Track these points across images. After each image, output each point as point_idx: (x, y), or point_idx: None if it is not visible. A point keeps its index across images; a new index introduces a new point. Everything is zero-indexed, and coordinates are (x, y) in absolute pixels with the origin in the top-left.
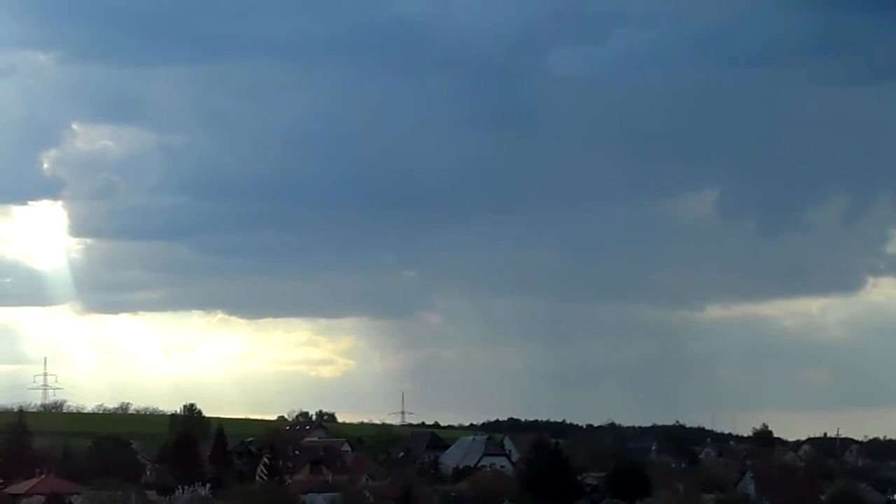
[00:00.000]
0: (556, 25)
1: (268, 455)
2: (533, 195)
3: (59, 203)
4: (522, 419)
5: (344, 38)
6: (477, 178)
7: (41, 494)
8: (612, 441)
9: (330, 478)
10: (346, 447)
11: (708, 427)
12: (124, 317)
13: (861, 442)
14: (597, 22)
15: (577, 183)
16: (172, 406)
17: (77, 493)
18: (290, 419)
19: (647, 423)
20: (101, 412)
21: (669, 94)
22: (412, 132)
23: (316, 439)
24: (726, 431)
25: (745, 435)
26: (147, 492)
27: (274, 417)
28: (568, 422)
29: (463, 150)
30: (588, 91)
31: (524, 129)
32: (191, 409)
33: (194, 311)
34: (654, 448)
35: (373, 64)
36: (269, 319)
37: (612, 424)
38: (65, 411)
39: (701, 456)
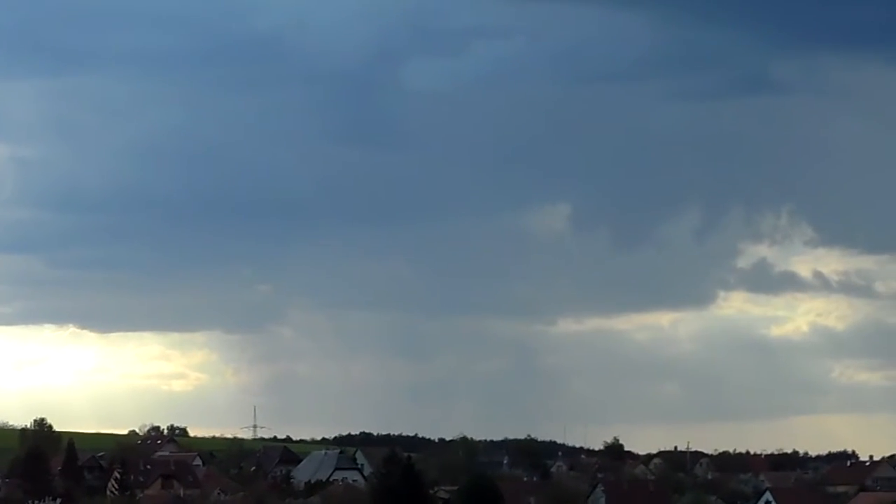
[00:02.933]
0: (412, 39)
1: (119, 469)
2: (389, 209)
3: None
4: (375, 433)
5: (201, 52)
6: (333, 191)
7: None
8: (464, 455)
9: (181, 492)
10: (198, 461)
11: (559, 440)
12: None
13: (711, 455)
14: (454, 36)
15: (433, 196)
16: (23, 420)
17: None
18: (141, 433)
19: (499, 437)
20: None
21: (526, 108)
22: (269, 146)
23: (167, 453)
24: (578, 445)
25: (597, 448)
26: None
27: (125, 432)
28: (420, 436)
29: (319, 163)
30: (444, 104)
31: (381, 142)
32: (41, 424)
33: (46, 325)
34: (505, 462)
35: (230, 77)
36: (121, 333)
37: (464, 438)
38: None
39: (552, 469)
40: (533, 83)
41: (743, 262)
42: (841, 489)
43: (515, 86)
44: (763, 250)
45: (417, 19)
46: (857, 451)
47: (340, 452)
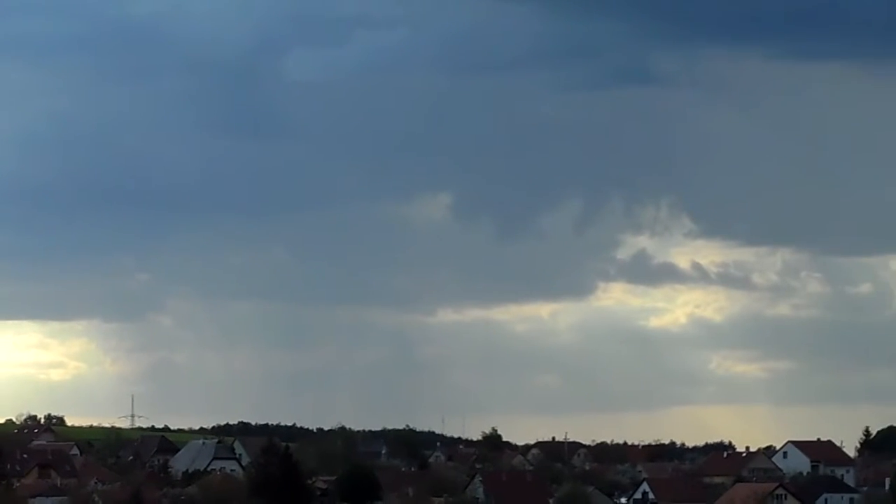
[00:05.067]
0: (295, 28)
1: None
2: (270, 198)
3: None
4: (253, 423)
5: (81, 39)
6: (215, 181)
7: None
8: (343, 445)
9: (58, 482)
10: (75, 451)
11: (438, 431)
12: None
13: (589, 446)
14: (336, 25)
15: (315, 186)
16: None
17: None
18: (18, 422)
19: (377, 427)
20: None
21: (409, 98)
22: (150, 135)
23: (44, 443)
24: (456, 435)
25: (475, 439)
26: None
27: (2, 421)
28: (299, 425)
29: (201, 152)
30: (327, 94)
31: (263, 132)
32: None
33: None
34: (384, 452)
35: (110, 66)
36: None
37: (343, 428)
38: None
39: (431, 460)
40: (416, 73)
41: (623, 254)
42: (717, 480)
43: (398, 76)
44: (643, 242)
45: (300, 8)
46: (733, 442)
47: (218, 442)
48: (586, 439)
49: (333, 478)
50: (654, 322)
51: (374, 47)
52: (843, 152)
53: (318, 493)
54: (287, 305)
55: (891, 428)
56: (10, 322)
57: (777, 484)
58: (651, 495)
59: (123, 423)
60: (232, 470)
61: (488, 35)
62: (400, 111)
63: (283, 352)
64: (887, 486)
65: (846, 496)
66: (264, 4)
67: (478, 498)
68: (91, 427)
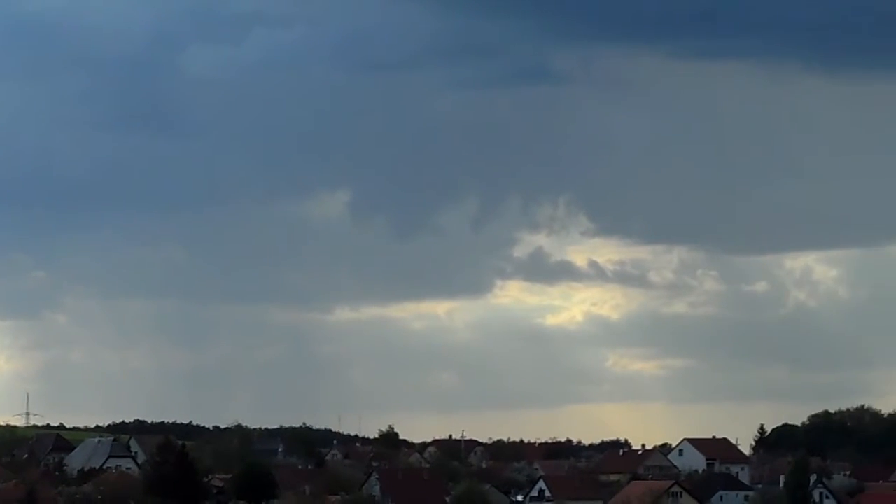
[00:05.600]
0: (192, 25)
1: None
2: (167, 196)
3: None
4: (149, 421)
5: None
6: (111, 178)
7: None
8: (239, 443)
9: None
10: None
11: (335, 429)
12: None
13: (485, 444)
14: (233, 22)
15: (212, 184)
16: None
17: None
18: None
19: (274, 425)
20: None
21: (306, 95)
22: (46, 131)
23: None
24: (353, 433)
25: (372, 437)
26: None
27: None
28: (195, 423)
29: (96, 150)
30: (224, 91)
31: (159, 129)
32: None
33: None
34: (280, 450)
35: (4, 61)
36: None
37: (239, 426)
38: None
39: (327, 458)
40: (313, 71)
41: (520, 252)
42: (613, 477)
43: (295, 73)
44: (540, 240)
45: (197, 5)
46: (629, 440)
47: (114, 440)
48: (483, 437)
49: (229, 476)
50: (551, 320)
51: (272, 45)
52: (741, 152)
53: (215, 491)
54: (183, 303)
55: (785, 426)
56: None
57: (673, 482)
58: (547, 493)
59: (18, 422)
60: (128, 468)
61: (385, 33)
62: (297, 109)
63: (179, 350)
64: (782, 484)
65: (741, 494)
66: (162, 0)
67: (374, 496)
68: None
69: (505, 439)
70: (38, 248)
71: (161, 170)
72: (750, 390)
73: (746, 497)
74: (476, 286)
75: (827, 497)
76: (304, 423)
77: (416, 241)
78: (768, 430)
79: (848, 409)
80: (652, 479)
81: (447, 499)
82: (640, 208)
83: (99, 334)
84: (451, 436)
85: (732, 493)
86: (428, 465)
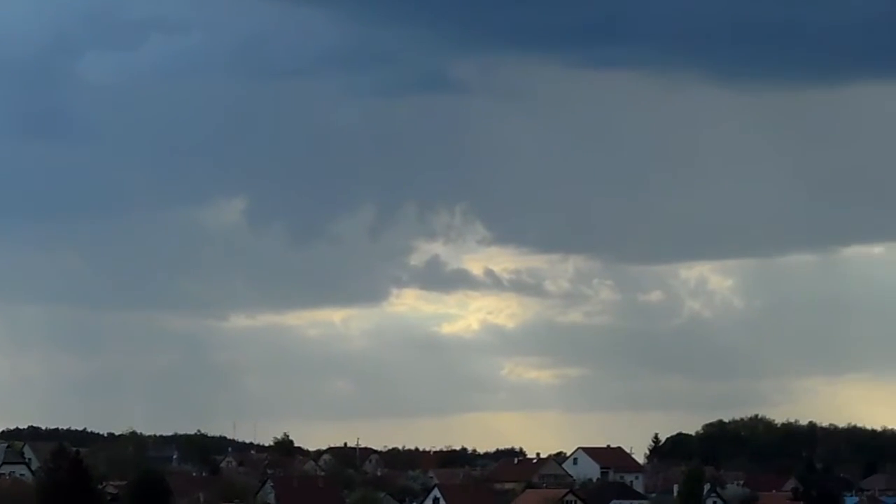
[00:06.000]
0: (88, 30)
1: None
2: (62, 201)
3: None
4: (43, 427)
5: None
6: (4, 183)
7: None
8: (134, 450)
9: None
10: None
11: (230, 436)
12: None
13: (380, 451)
14: (131, 28)
15: (108, 190)
16: None
17: None
18: None
19: (168, 432)
20: None
21: (204, 102)
22: None
23: None
24: (248, 440)
25: (267, 444)
26: None
27: None
28: (89, 430)
29: None
30: (121, 97)
31: (54, 135)
32: None
33: None
34: (175, 457)
35: None
36: None
37: (134, 433)
38: None
39: (222, 465)
40: (211, 77)
41: (416, 260)
42: (508, 486)
43: (193, 80)
44: (436, 248)
45: (93, 9)
46: (524, 449)
47: (8, 447)
48: (378, 445)
49: (124, 483)
50: (447, 328)
51: (169, 51)
52: (637, 161)
53: (109, 498)
54: (77, 309)
55: (680, 435)
56: None
57: (567, 490)
58: (442, 501)
59: None
60: (21, 475)
61: (284, 40)
62: (195, 115)
63: (73, 356)
64: (675, 493)
65: (635, 502)
66: (59, 5)
67: (269, 503)
68: None
69: (400, 447)
70: None
71: (56, 175)
72: (645, 399)
73: None
74: (372, 294)
75: None
76: (198, 431)
77: (313, 248)
78: (663, 438)
79: (742, 419)
80: (546, 487)
81: None
82: (536, 217)
83: None
84: (346, 443)
85: (626, 502)
86: (323, 473)
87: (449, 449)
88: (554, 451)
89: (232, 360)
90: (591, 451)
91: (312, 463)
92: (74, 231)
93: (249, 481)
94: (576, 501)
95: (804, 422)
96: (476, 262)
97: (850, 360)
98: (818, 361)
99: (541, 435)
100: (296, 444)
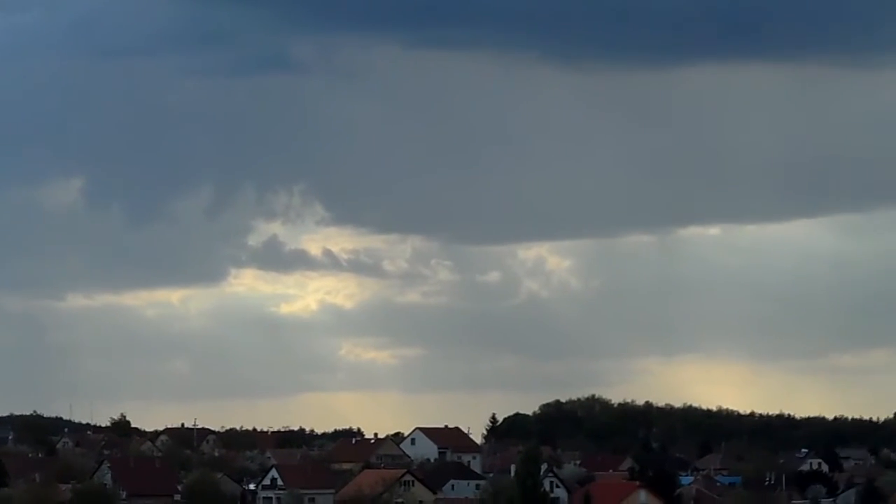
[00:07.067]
0: None
1: None
2: None
3: None
4: None
5: None
6: None
7: None
8: None
9: None
10: None
11: (66, 417)
12: None
13: (218, 432)
14: None
15: None
16: None
17: None
18: None
19: (4, 413)
20: None
21: (41, 81)
22: None
23: None
24: (84, 421)
25: (104, 425)
26: None
27: None
28: None
29: None
30: None
31: None
32: None
33: None
34: (11, 437)
35: None
36: None
37: None
38: None
39: (59, 446)
40: (49, 56)
41: (254, 240)
42: (346, 466)
43: (30, 58)
44: (275, 228)
45: None
46: (362, 429)
47: None
48: (216, 425)
49: None
50: (286, 308)
51: (7, 28)
52: (477, 142)
53: None
54: None
55: (517, 415)
56: None
57: (405, 470)
58: (280, 481)
59: None
60: None
61: (121, 19)
62: (32, 94)
63: None
64: (512, 473)
65: (472, 482)
66: None
67: (105, 484)
68: None
69: (238, 427)
70: None
71: None
72: (482, 379)
73: (477, 486)
74: (210, 274)
75: (557, 486)
76: (34, 411)
77: (151, 228)
78: (500, 419)
79: (578, 399)
80: (384, 467)
81: (179, 487)
82: (375, 198)
83: None
84: (183, 424)
85: (464, 482)
86: (160, 454)
87: (287, 429)
88: (392, 432)
89: (69, 340)
90: (429, 432)
91: (150, 443)
92: None
93: (86, 462)
94: (413, 482)
95: (640, 402)
96: (314, 242)
97: (686, 341)
98: (654, 342)
99: (379, 415)
100: (133, 425)
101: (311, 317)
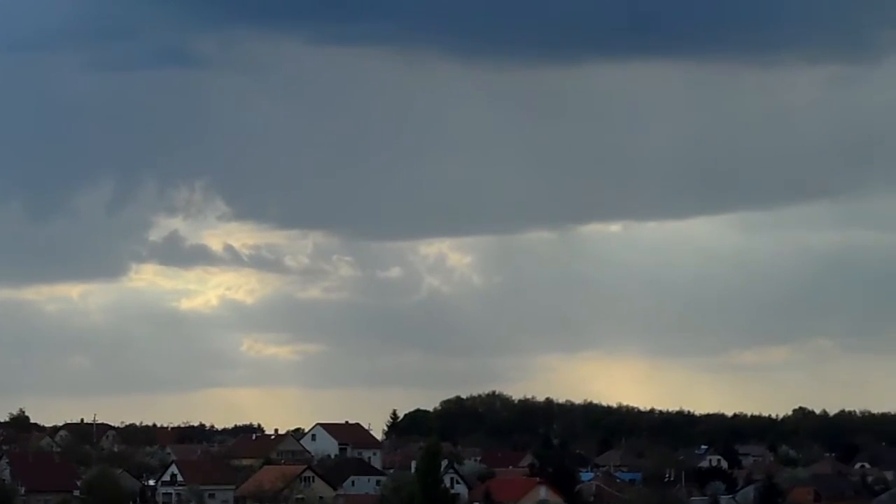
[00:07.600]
0: None
1: None
2: None
3: None
4: None
5: None
6: None
7: None
8: None
9: None
10: None
11: None
12: None
13: (118, 427)
14: None
15: None
16: None
17: None
18: None
19: None
20: None
21: None
22: None
23: None
24: None
25: (2, 420)
26: None
27: None
28: None
29: None
30: None
31: None
32: None
33: None
34: None
35: None
36: None
37: None
38: None
39: None
40: None
41: (155, 235)
42: (246, 462)
43: None
44: (176, 223)
45: None
46: (262, 425)
47: None
48: (115, 421)
49: None
50: (186, 304)
51: None
52: (377, 138)
53: None
54: None
55: (418, 411)
56: None
57: (305, 466)
58: (180, 477)
59: None
60: None
61: (20, 12)
62: None
63: None
64: (413, 469)
65: (373, 478)
66: None
67: (4, 480)
68: None
69: (137, 423)
70: None
71: None
72: (383, 375)
73: (378, 482)
74: (111, 269)
75: (458, 482)
76: None
77: (51, 223)
78: (401, 415)
79: (479, 395)
80: (285, 463)
81: (78, 483)
82: (276, 193)
83: None
84: (82, 419)
85: (364, 478)
86: (59, 450)
87: (187, 425)
88: (292, 428)
89: None
90: (330, 428)
91: (49, 439)
92: None
93: None
94: (313, 478)
95: (541, 398)
96: (216, 237)
97: (587, 338)
98: (555, 338)
99: (279, 411)
100: (32, 420)
101: (212, 312)
